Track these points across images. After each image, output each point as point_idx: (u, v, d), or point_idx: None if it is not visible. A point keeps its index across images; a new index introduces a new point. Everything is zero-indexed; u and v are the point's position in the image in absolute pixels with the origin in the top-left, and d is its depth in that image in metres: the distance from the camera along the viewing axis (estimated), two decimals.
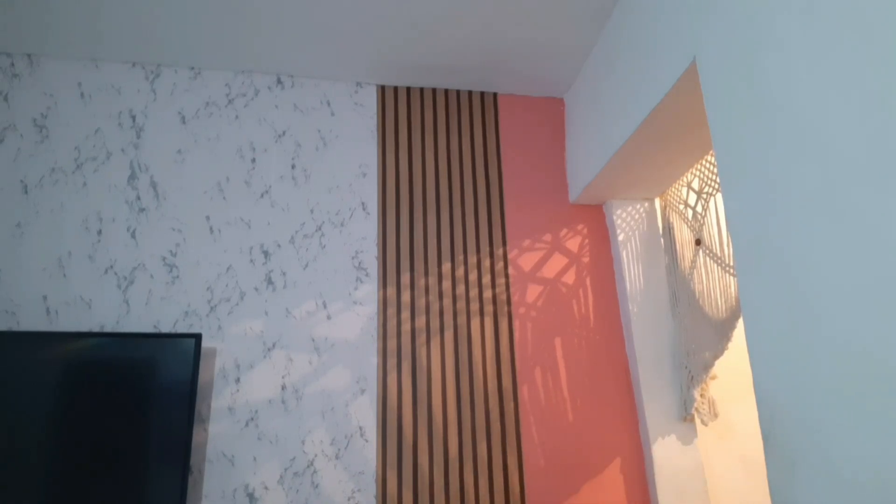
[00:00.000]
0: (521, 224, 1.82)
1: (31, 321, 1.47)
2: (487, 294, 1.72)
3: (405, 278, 1.69)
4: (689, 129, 1.42)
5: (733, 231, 1.06)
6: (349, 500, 1.47)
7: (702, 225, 1.60)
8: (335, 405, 1.54)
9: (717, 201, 1.55)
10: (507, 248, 1.79)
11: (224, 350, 1.54)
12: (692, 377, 1.59)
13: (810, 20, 0.87)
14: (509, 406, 1.62)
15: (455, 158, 1.86)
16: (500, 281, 1.74)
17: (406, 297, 1.68)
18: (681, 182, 1.72)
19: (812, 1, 0.87)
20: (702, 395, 1.58)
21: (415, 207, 1.78)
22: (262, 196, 1.70)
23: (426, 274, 1.71)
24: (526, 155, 1.91)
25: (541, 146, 1.93)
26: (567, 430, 1.63)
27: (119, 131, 1.68)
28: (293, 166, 1.75)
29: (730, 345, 1.46)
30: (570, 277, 1.79)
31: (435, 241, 1.75)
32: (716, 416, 1.59)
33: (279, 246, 1.66)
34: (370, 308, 1.65)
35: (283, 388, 1.53)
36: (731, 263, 1.46)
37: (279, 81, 1.83)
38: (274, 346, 1.57)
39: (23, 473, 1.30)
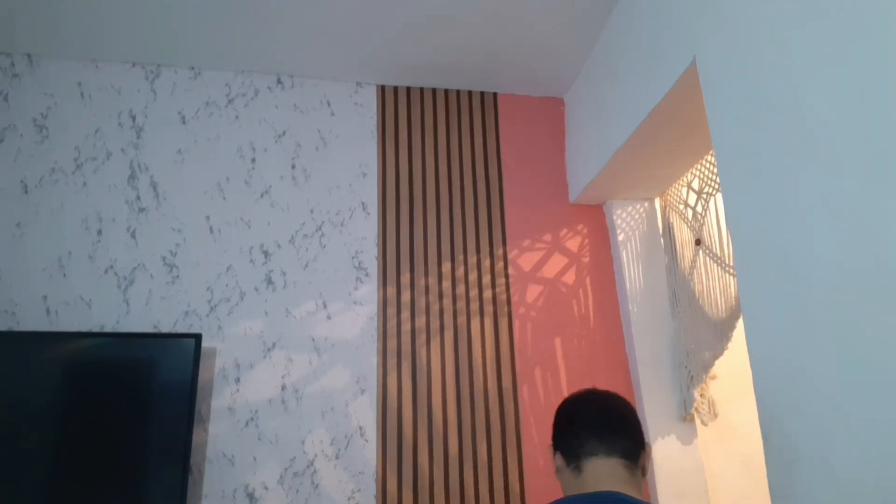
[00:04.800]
0: (521, 224, 1.82)
1: (31, 321, 1.47)
2: (487, 294, 1.72)
3: (405, 278, 1.69)
4: (689, 129, 1.42)
5: (733, 231, 1.06)
6: (349, 500, 1.47)
7: (702, 225, 1.60)
8: (335, 405, 1.54)
9: (717, 201, 1.55)
10: (507, 248, 1.79)
11: (224, 350, 1.54)
12: (692, 377, 1.59)
13: (811, 20, 0.87)
14: (509, 406, 1.62)
15: (455, 158, 1.86)
16: (500, 281, 1.74)
17: (406, 297, 1.68)
18: (681, 182, 1.72)
19: (812, 0, 0.87)
20: (702, 395, 1.58)
21: (415, 207, 1.78)
22: (262, 196, 1.70)
23: (426, 274, 1.71)
24: (526, 155, 1.91)
25: (541, 146, 1.93)
26: None
27: (119, 131, 1.68)
28: (293, 166, 1.75)
29: (730, 345, 1.46)
30: (570, 277, 1.79)
31: (435, 241, 1.75)
32: (716, 416, 1.59)
33: (279, 246, 1.66)
34: (370, 308, 1.65)
35: (283, 388, 1.53)
36: (731, 263, 1.46)
37: (279, 81, 1.83)
38: (274, 346, 1.57)
39: (23, 473, 1.30)
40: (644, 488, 0.91)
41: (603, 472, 0.86)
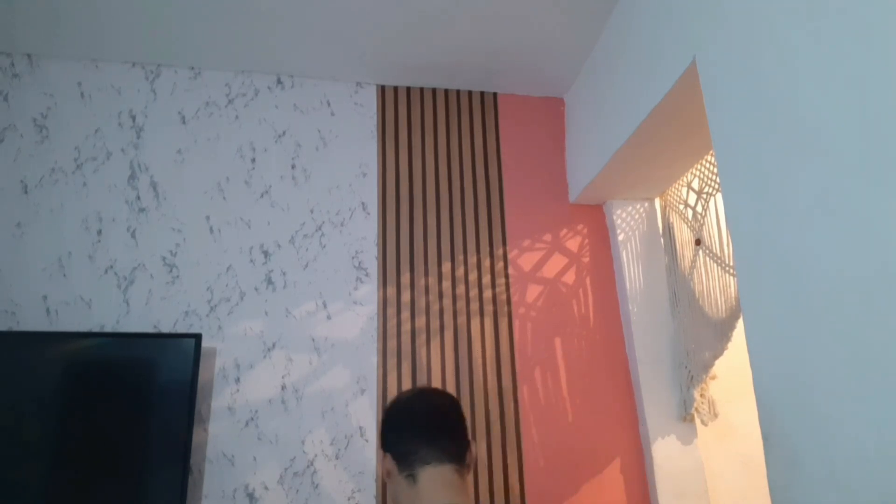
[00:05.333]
0: (521, 224, 1.82)
1: (31, 321, 1.47)
2: (487, 294, 1.72)
3: (405, 278, 1.69)
4: (689, 129, 1.42)
5: (733, 231, 1.06)
6: (349, 500, 1.47)
7: (702, 225, 1.60)
8: (335, 405, 1.54)
9: (717, 201, 1.55)
10: (507, 248, 1.79)
11: (224, 350, 1.54)
12: (692, 377, 1.59)
13: (811, 20, 0.87)
14: (509, 406, 1.62)
15: (455, 158, 1.86)
16: (500, 281, 1.74)
17: (406, 297, 1.68)
18: (681, 182, 1.72)
19: (812, 0, 0.87)
20: (702, 395, 1.58)
21: (415, 207, 1.78)
22: (262, 196, 1.70)
23: (426, 274, 1.71)
24: (526, 155, 1.91)
25: (541, 146, 1.93)
26: (567, 430, 1.63)
27: (119, 131, 1.68)
28: (293, 166, 1.75)
29: (730, 345, 1.46)
30: (570, 277, 1.79)
31: (435, 241, 1.75)
32: (716, 416, 1.59)
33: (279, 246, 1.66)
34: (370, 308, 1.65)
35: (283, 388, 1.53)
36: (731, 263, 1.46)
37: (279, 81, 1.83)
38: (274, 346, 1.57)
39: (23, 473, 1.30)
40: (469, 485, 0.98)
41: (437, 482, 0.90)
